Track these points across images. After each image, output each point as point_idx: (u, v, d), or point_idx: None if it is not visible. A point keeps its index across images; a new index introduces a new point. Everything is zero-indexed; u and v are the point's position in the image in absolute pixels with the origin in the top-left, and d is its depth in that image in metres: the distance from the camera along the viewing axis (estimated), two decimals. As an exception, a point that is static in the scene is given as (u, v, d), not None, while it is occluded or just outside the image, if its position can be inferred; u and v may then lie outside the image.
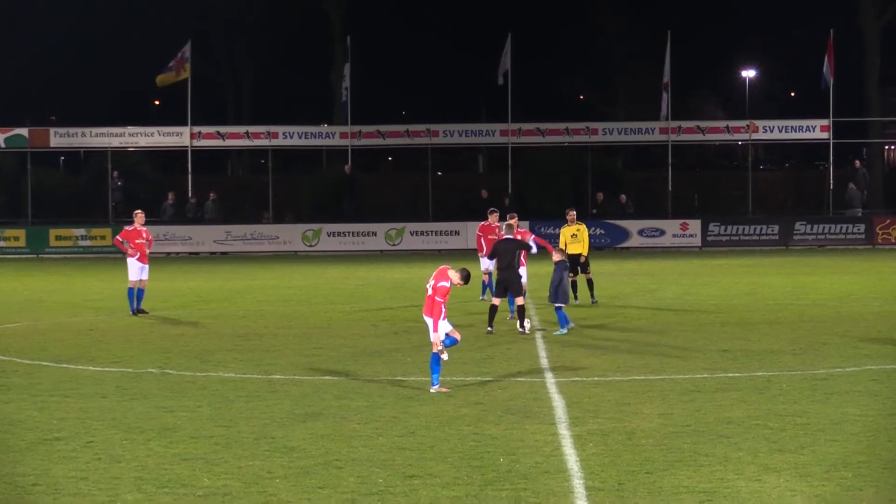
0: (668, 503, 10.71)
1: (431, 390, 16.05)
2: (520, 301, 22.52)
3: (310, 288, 34.10)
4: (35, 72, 73.44)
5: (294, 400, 15.59)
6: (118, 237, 27.50)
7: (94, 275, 39.80)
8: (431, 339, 16.24)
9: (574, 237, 27.46)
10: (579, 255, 27.31)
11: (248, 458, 12.33)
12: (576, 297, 27.36)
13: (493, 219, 27.07)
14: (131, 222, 27.58)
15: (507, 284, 22.46)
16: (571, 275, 27.40)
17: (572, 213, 27.99)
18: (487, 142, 58.15)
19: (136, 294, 26.66)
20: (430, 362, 16.17)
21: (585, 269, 27.43)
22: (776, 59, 77.69)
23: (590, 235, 28.03)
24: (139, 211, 27.84)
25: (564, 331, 22.20)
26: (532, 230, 48.06)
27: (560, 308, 22.36)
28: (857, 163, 55.30)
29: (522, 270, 23.34)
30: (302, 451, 12.61)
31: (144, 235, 27.07)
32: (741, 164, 67.30)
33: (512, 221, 23.69)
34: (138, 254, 26.74)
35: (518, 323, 22.49)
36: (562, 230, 27.78)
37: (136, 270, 26.70)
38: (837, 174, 55.50)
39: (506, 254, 22.56)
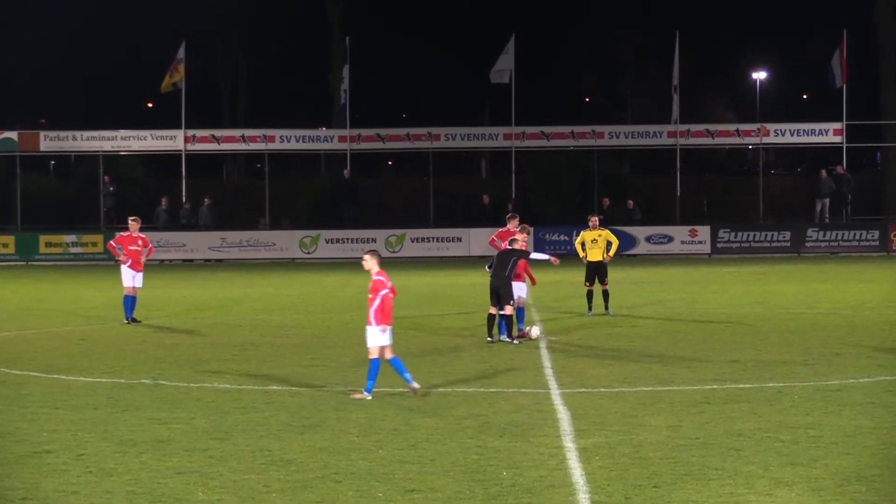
0: (677, 519, 10.57)
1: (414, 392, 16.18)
2: (508, 310, 22.18)
3: (308, 296, 33.94)
4: (24, 73, 73.21)
5: (291, 412, 15.41)
6: (112, 242, 27.49)
7: (85, 282, 39.67)
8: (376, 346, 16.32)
9: (594, 242, 27.04)
10: (599, 262, 26.88)
11: (244, 471, 12.18)
12: (590, 309, 26.94)
13: (512, 224, 24.47)
14: (126, 228, 27.41)
15: (499, 292, 22.09)
16: (587, 284, 27.05)
17: (594, 220, 27.55)
18: (490, 145, 57.97)
19: (131, 301, 26.42)
20: (397, 367, 16.29)
21: (603, 280, 27.00)
22: (788, 60, 77.25)
23: (608, 243, 27.20)
24: (134, 218, 27.59)
25: (504, 338, 22.12)
26: (536, 237, 47.99)
27: (489, 314, 22.28)
28: (823, 172, 53.85)
29: (523, 286, 22.93)
30: (299, 464, 12.46)
31: (140, 243, 26.84)
32: (752, 168, 67.00)
33: (520, 237, 23.06)
34: (130, 261, 26.52)
35: (506, 333, 22.16)
36: (582, 233, 27.31)
37: (129, 277, 26.52)
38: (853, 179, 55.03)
39: (501, 261, 22.22)
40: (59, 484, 11.71)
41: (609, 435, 13.69)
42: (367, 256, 16.58)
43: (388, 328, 16.23)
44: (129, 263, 26.58)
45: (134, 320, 26.31)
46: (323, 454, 12.85)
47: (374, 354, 16.23)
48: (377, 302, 16.14)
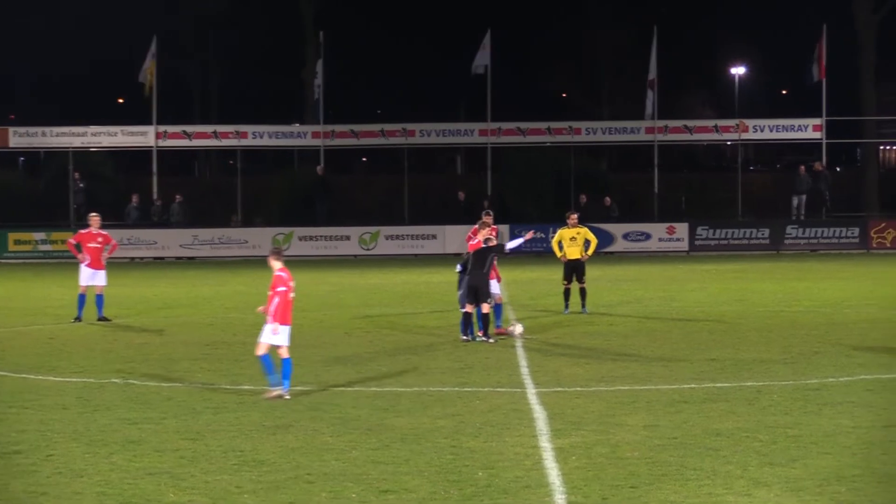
0: (655, 520, 10.53)
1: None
2: (485, 308, 22.06)
3: (280, 293, 33.58)
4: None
5: (263, 412, 15.31)
6: (71, 240, 27.22)
7: (54, 280, 39.28)
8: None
9: (573, 240, 26.85)
10: (577, 260, 26.73)
11: (216, 472, 12.12)
12: (566, 307, 26.78)
13: (487, 222, 23.48)
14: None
15: (477, 290, 21.93)
16: (565, 282, 26.92)
17: (574, 217, 27.30)
18: (466, 142, 57.70)
19: (84, 301, 26.23)
20: (287, 368, 16.16)
21: (580, 278, 26.86)
22: (767, 55, 77.34)
23: (587, 242, 27.03)
24: (94, 214, 27.32)
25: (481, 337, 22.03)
26: (512, 234, 47.85)
27: (464, 312, 22.21)
28: (802, 168, 53.70)
29: (496, 283, 22.80)
30: (272, 464, 12.40)
31: (100, 240, 26.57)
32: (730, 164, 67.00)
33: (491, 234, 22.83)
34: (88, 258, 26.27)
35: (483, 331, 22.02)
36: (560, 231, 27.10)
37: (87, 276, 26.35)
38: (832, 175, 55.02)
39: (479, 258, 22.08)
40: (28, 485, 11.64)
41: (586, 435, 13.63)
42: (269, 255, 16.66)
43: (285, 328, 16.20)
44: (87, 262, 26.31)
45: (103, 319, 26.07)
46: (295, 454, 12.78)
47: (261, 351, 16.28)
48: (276, 300, 16.18)
